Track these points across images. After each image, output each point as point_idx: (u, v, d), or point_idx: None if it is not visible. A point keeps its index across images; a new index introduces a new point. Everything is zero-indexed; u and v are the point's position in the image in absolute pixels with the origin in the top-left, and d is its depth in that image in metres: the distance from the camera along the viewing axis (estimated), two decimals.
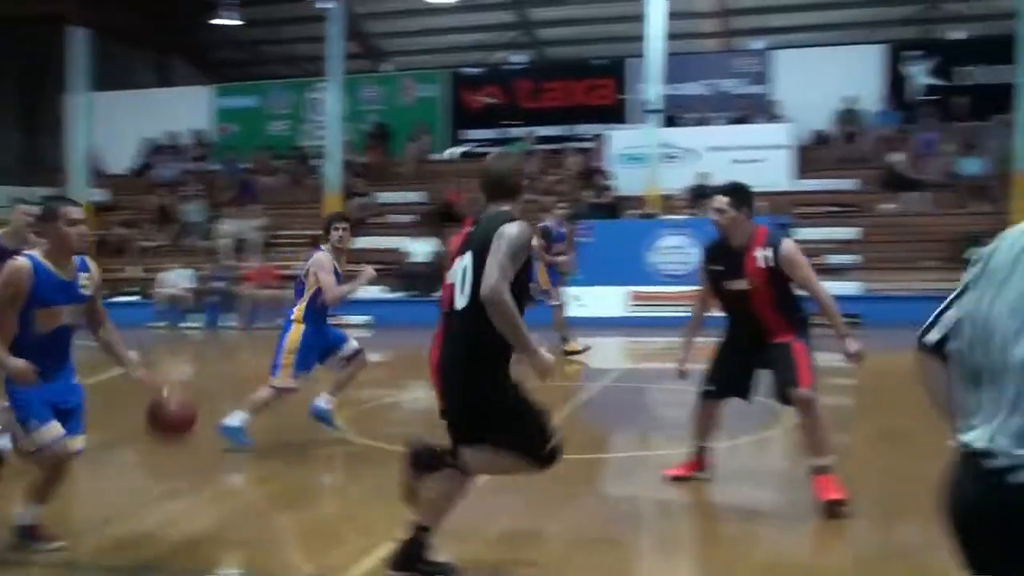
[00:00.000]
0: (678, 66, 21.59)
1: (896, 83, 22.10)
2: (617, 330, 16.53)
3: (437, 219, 19.92)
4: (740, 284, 5.70)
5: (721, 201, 5.73)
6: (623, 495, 6.55)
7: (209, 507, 6.06)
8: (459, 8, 25.10)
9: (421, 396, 9.36)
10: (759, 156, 19.85)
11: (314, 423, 7.72)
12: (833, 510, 5.35)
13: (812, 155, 20.88)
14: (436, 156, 24.75)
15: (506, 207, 4.38)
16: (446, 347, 4.37)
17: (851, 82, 21.44)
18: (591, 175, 21.10)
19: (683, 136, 20.75)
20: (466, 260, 4.27)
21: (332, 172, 21.84)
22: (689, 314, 6.20)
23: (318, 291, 7.38)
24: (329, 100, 22.28)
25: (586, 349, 13.35)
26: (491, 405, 4.25)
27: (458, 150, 24.98)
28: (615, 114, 23.60)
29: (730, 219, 5.69)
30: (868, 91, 21.74)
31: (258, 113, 26.65)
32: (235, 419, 7.24)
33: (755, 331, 5.74)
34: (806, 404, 5.51)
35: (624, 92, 23.80)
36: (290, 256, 20.67)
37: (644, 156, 20.04)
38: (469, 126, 25.27)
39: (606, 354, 14.93)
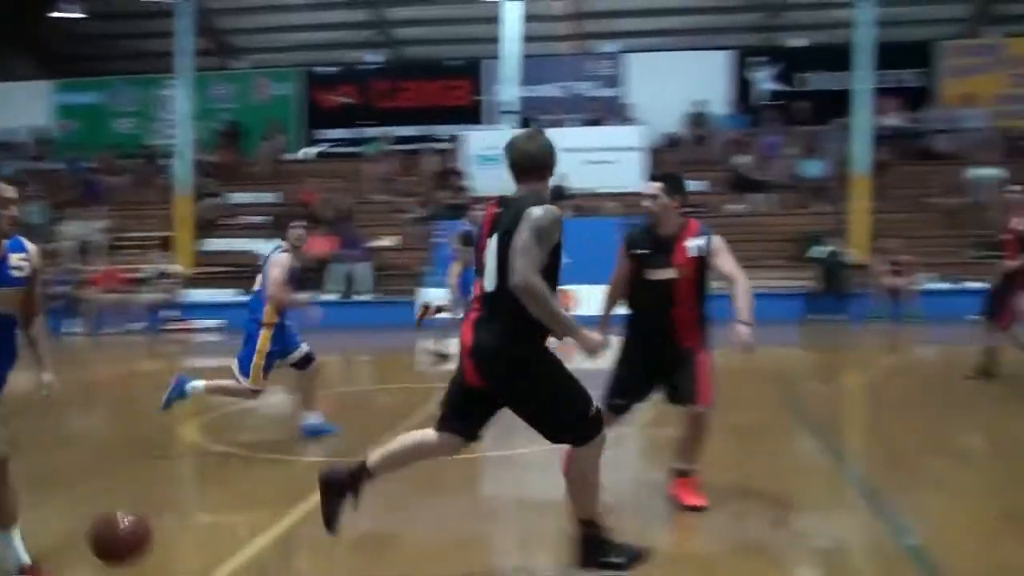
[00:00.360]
0: (533, 68, 21.83)
1: (742, 88, 22.88)
2: None
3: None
4: (666, 273, 5.51)
5: (654, 187, 5.62)
6: (487, 495, 6.56)
7: (57, 519, 5.80)
8: (314, 6, 24.75)
9: (275, 401, 9.18)
10: (612, 158, 20.24)
11: (167, 432, 7.47)
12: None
13: (663, 157, 21.37)
14: (290, 156, 24.36)
15: (535, 187, 4.38)
16: (480, 329, 4.31)
17: (700, 86, 22.07)
18: (447, 176, 21.11)
19: None
20: (492, 244, 4.28)
21: (182, 172, 21.23)
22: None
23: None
24: (179, 97, 21.65)
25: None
26: (533, 381, 4.27)
27: (313, 150, 24.65)
28: (471, 115, 23.69)
29: (662, 206, 5.55)
30: (716, 95, 22.43)
31: (102, 110, 25.70)
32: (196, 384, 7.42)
33: (663, 330, 5.53)
34: (699, 420, 5.48)
35: (480, 93, 23.91)
36: (137, 258, 19.99)
37: (500, 157, 20.14)
38: (324, 126, 24.97)
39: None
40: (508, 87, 20.17)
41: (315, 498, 4.54)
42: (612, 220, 15.12)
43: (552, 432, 4.37)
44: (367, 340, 16.18)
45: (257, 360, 7.44)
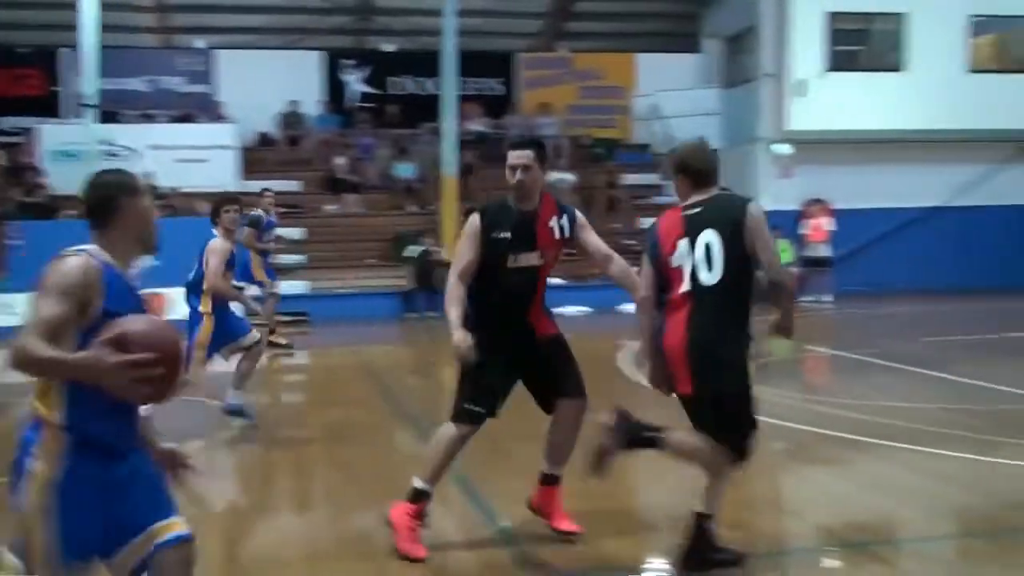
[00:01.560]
0: (116, 60, 20.60)
1: (335, 89, 23.04)
2: None
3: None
4: (531, 259, 4.86)
5: (526, 156, 4.83)
6: None
7: None
8: None
9: None
10: (204, 156, 19.60)
11: None
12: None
13: (257, 156, 21.05)
14: None
15: (714, 189, 4.50)
16: (696, 325, 4.27)
17: (293, 86, 21.95)
18: (20, 172, 19.40)
19: (123, 133, 19.81)
20: (708, 238, 4.31)
21: None
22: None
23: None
24: None
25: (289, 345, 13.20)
26: (744, 386, 4.30)
27: None
28: (47, 107, 21.91)
29: (533, 179, 4.84)
30: (309, 96, 22.42)
31: None
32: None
33: (524, 323, 4.93)
34: (583, 413, 5.01)
35: (57, 84, 22.19)
36: None
37: (81, 153, 18.82)
38: None
39: None
40: (88, 79, 18.87)
41: None
42: (206, 220, 14.60)
43: (729, 432, 4.32)
44: None
45: (197, 353, 7.31)
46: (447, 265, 5.27)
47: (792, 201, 19.83)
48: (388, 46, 23.69)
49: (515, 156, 4.84)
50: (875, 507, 5.81)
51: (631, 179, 21.01)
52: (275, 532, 5.51)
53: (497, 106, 22.78)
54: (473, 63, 21.36)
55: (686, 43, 23.27)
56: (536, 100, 22.70)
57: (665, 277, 4.45)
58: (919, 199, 20.08)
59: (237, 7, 23.78)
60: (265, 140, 21.97)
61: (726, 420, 4.31)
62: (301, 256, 18.57)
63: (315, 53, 23.14)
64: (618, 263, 4.98)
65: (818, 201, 19.20)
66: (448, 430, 4.94)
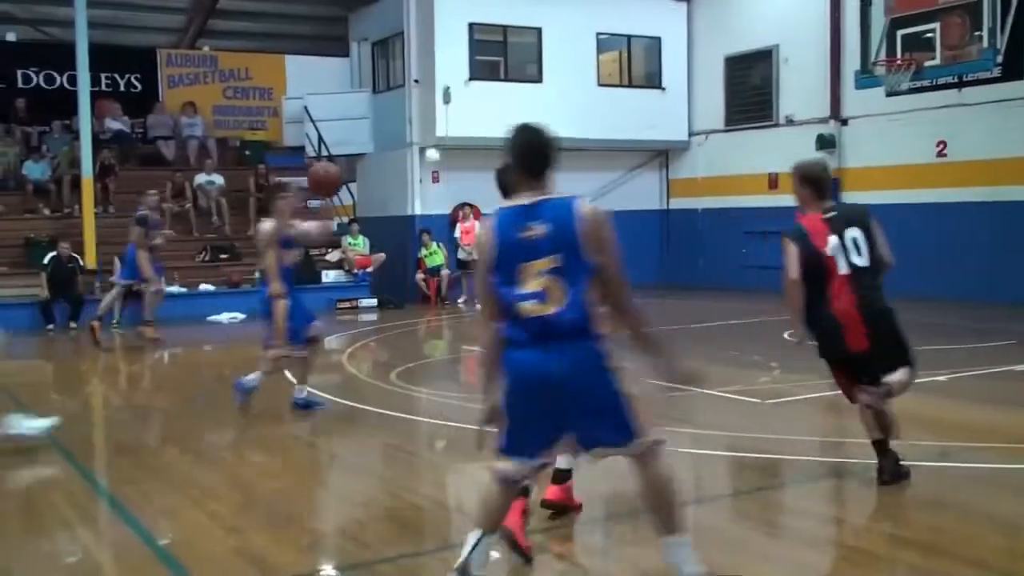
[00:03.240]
0: None
1: None
2: None
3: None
4: None
5: None
6: None
7: None
8: None
9: None
10: None
11: None
12: None
13: None
14: None
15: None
16: (865, 298, 5.76)
17: None
18: None
19: None
20: (854, 234, 5.81)
21: None
22: None
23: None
24: None
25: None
26: (899, 324, 5.88)
27: None
28: None
29: None
30: None
31: None
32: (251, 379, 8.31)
33: None
34: None
35: None
36: None
37: None
38: None
39: None
40: None
41: None
42: None
43: (906, 352, 5.86)
44: None
45: (278, 329, 8.22)
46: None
47: (443, 205, 20.47)
48: (11, 35, 21.75)
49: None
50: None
51: (284, 182, 20.72)
52: None
53: (138, 104, 21.64)
54: (110, 58, 20.24)
55: (335, 46, 23.30)
56: (180, 99, 21.81)
57: (819, 265, 5.80)
58: None
59: None
60: None
61: (901, 345, 5.86)
62: None
63: None
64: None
65: (468, 205, 19.90)
66: None
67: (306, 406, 8.58)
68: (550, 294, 3.86)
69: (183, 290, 17.73)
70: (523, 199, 3.97)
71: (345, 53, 23.18)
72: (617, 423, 3.95)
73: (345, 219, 20.30)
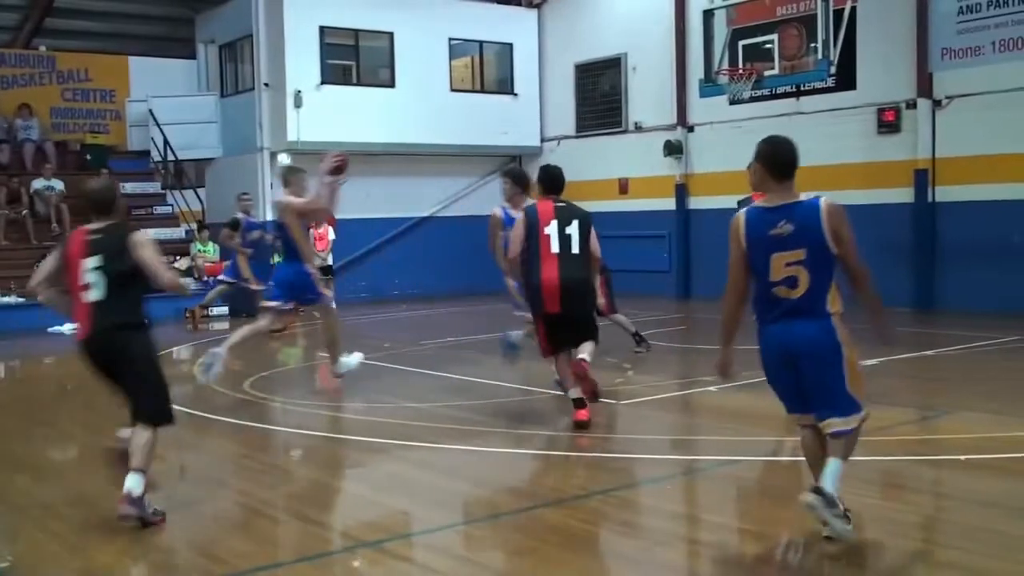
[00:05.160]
0: None
1: None
2: None
3: None
4: None
5: None
6: None
7: None
8: None
9: None
10: None
11: None
12: None
13: None
14: None
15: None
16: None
17: None
18: None
19: None
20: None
21: None
22: None
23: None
24: None
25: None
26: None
27: None
28: None
29: None
30: None
31: None
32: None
33: None
34: None
35: None
36: None
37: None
38: None
39: None
40: None
41: None
42: None
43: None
44: None
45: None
46: None
47: None
48: None
49: None
50: (388, 505, 6.11)
51: (129, 187, 19.98)
52: None
53: None
54: None
55: (182, 48, 22.65)
56: (15, 100, 20.83)
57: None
58: (414, 209, 21.40)
59: None
60: None
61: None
62: None
63: None
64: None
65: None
66: None
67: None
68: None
69: (20, 300, 16.90)
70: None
71: (192, 55, 22.54)
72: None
73: (193, 225, 19.75)
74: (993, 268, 15.50)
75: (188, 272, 18.87)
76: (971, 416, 7.87)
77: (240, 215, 15.78)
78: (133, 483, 5.32)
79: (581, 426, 7.64)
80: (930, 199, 16.34)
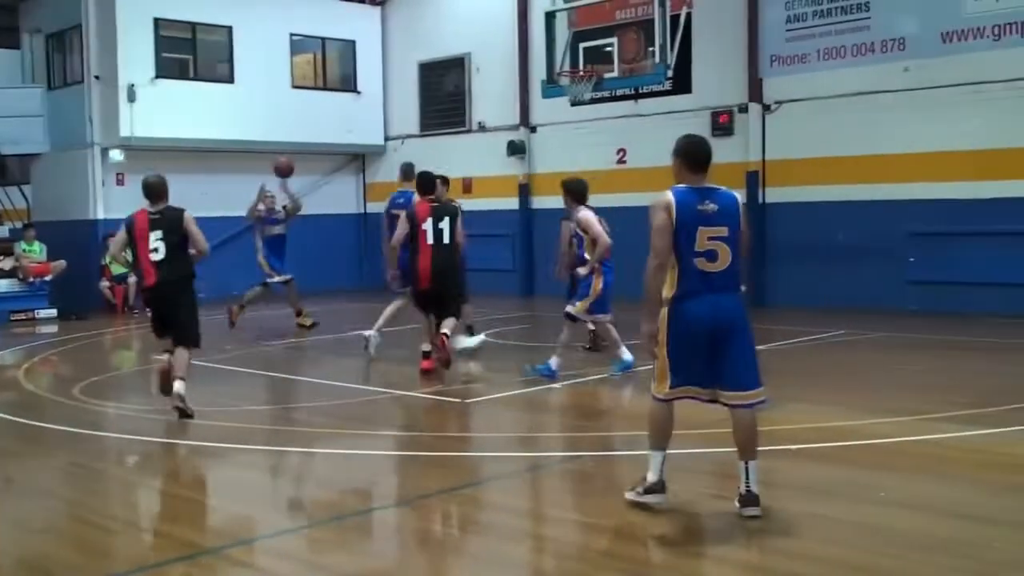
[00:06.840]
0: None
1: None
2: None
3: None
4: None
5: None
6: None
7: None
8: None
9: None
10: None
11: None
12: None
13: None
14: None
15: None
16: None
17: None
18: None
19: None
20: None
21: None
22: None
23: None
24: None
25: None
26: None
27: None
28: None
29: None
30: None
31: None
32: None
33: None
34: None
35: None
36: None
37: None
38: None
39: None
40: None
41: None
42: None
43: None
44: None
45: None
46: None
47: (129, 209, 19.28)
48: None
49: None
50: (228, 510, 5.97)
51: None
52: None
53: None
54: None
55: (5, 37, 21.51)
56: None
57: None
58: None
59: None
60: None
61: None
62: None
63: None
64: None
65: None
66: None
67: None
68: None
69: None
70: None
71: (16, 45, 21.45)
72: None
73: (18, 224, 18.80)
74: (819, 266, 16.28)
75: (12, 273, 17.94)
76: (800, 407, 8.23)
77: (261, 208, 14.85)
78: (180, 387, 7.93)
79: (425, 374, 9.89)
80: (760, 200, 17.02)
